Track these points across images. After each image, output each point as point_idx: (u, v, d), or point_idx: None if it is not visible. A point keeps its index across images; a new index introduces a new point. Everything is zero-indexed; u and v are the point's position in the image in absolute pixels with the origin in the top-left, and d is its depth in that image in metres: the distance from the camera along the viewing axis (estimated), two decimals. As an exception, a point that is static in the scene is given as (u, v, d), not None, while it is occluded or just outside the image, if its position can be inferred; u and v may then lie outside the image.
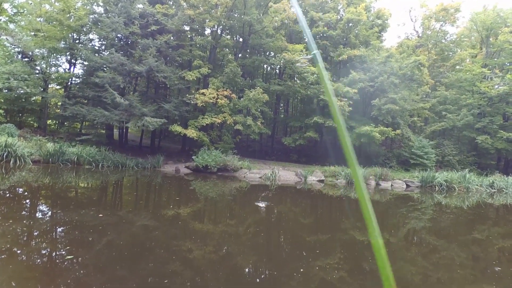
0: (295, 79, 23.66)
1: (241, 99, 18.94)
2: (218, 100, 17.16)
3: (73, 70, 20.79)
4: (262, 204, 8.58)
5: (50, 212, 6.86)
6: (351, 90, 19.54)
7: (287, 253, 5.77)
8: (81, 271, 4.07)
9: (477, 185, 17.05)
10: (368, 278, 4.73)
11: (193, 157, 15.73)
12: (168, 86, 18.98)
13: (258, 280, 4.45)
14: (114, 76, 15.41)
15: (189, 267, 4.65)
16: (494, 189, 17.03)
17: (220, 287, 4.10)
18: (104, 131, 19.36)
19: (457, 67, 28.80)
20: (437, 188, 16.55)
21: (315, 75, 20.21)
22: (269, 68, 28.25)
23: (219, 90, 17.61)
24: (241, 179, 15.03)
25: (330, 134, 25.06)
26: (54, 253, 4.53)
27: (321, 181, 16.30)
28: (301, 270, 4.80)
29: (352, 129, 20.18)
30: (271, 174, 15.56)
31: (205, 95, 17.02)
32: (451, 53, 31.13)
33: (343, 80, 21.42)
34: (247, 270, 4.77)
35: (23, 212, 6.64)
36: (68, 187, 9.49)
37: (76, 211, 6.83)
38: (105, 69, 16.85)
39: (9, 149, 11.58)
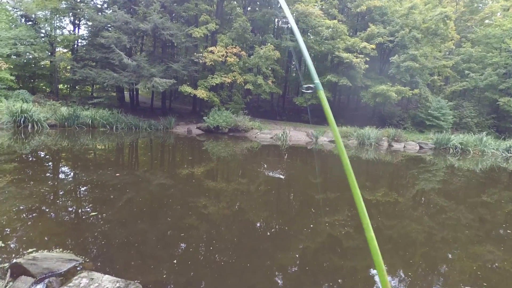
0: (309, 34, 22.22)
1: (251, 56, 18.17)
2: (227, 58, 16.54)
3: (78, 32, 20.19)
4: (275, 174, 8.73)
5: (72, 173, 7.25)
6: (368, 46, 18.32)
7: (297, 210, 6.03)
8: (106, 226, 4.41)
9: (493, 149, 16.63)
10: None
11: (204, 118, 15.80)
12: (175, 44, 18.27)
13: (269, 234, 4.74)
14: (119, 36, 14.90)
15: (204, 221, 4.96)
16: (511, 153, 16.60)
17: (234, 239, 4.40)
18: (115, 94, 19.41)
19: (486, 21, 26.12)
20: (451, 150, 16.28)
21: (330, 29, 18.91)
22: (280, 22, 26.48)
23: (228, 47, 16.87)
24: (252, 140, 15.17)
25: (344, 94, 24.31)
26: (79, 211, 4.89)
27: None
28: (311, 225, 5.05)
29: (367, 88, 19.39)
30: (282, 135, 15.58)
31: (213, 53, 16.38)
32: (481, 5, 28.01)
33: (360, 35, 20.00)
34: (258, 224, 5.05)
35: (48, 174, 7.04)
36: (87, 149, 9.87)
37: (96, 172, 7.18)
38: (109, 28, 16.26)
39: (25, 115, 11.86)
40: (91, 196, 5.59)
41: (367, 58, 18.38)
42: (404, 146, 16.60)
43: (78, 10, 17.31)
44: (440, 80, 24.59)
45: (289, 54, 23.23)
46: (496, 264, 4.24)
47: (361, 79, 19.21)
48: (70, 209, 4.92)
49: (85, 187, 6.03)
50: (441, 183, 9.38)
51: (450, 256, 4.50)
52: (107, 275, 2.69)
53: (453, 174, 11.14)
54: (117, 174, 6.98)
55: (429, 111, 19.68)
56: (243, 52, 17.42)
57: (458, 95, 24.14)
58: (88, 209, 4.90)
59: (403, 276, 3.85)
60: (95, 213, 4.73)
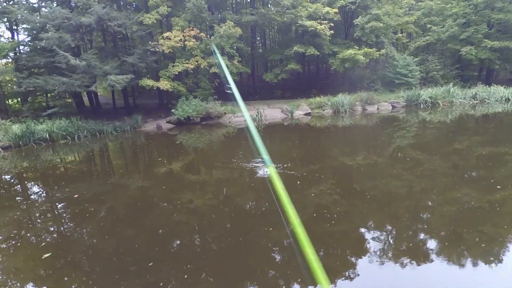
0: (269, 5, 21.46)
1: (212, 37, 17.25)
2: (186, 42, 15.59)
3: (18, 38, 17.95)
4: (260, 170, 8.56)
5: (44, 194, 6.70)
6: (331, 10, 17.99)
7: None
8: (93, 239, 4.13)
9: (460, 98, 17.41)
10: (358, 198, 4.98)
11: (172, 110, 15.01)
12: (128, 35, 16.89)
13: (260, 213, 4.67)
14: (61, 35, 13.43)
15: (193, 214, 4.80)
16: (477, 100, 17.49)
17: (227, 225, 4.28)
18: (71, 100, 17.80)
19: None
20: (422, 105, 16.85)
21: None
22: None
23: (184, 30, 15.83)
24: (226, 125, 14.80)
25: (313, 63, 24.13)
26: (61, 228, 4.59)
27: (308, 114, 16.25)
28: (299, 199, 4.98)
29: (334, 54, 19.28)
30: (256, 115, 15.31)
31: (170, 39, 15.32)
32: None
33: (322, 0, 19.60)
34: (247, 207, 4.95)
35: (19, 199, 6.46)
36: (51, 166, 9.03)
37: (67, 187, 6.69)
38: (49, 29, 14.58)
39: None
40: (70, 212, 5.24)
41: (331, 24, 18.11)
42: (378, 108, 16.96)
43: (12, 14, 15.30)
44: (404, 37, 24.97)
45: (252, 29, 22.34)
46: (472, 204, 4.43)
47: (327, 46, 19.02)
48: (52, 229, 4.58)
49: (62, 205, 5.64)
50: (415, 138, 9.69)
51: (430, 204, 4.65)
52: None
53: (425, 127, 11.55)
54: (76, 196, 6.52)
55: (397, 69, 20.04)
56: (202, 34, 16.48)
57: (422, 50, 24.73)
58: (71, 225, 4.64)
59: (390, 229, 3.93)
60: (79, 227, 4.44)
